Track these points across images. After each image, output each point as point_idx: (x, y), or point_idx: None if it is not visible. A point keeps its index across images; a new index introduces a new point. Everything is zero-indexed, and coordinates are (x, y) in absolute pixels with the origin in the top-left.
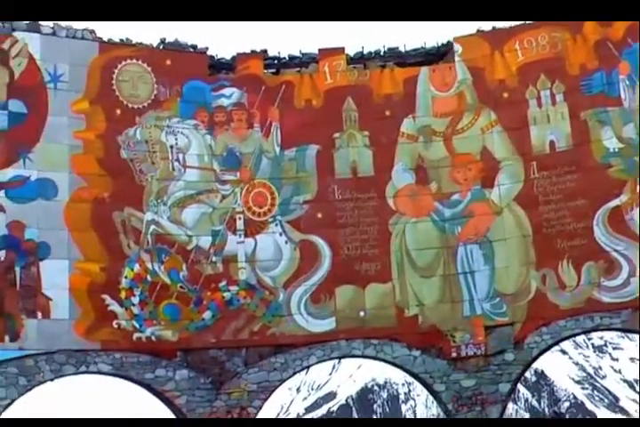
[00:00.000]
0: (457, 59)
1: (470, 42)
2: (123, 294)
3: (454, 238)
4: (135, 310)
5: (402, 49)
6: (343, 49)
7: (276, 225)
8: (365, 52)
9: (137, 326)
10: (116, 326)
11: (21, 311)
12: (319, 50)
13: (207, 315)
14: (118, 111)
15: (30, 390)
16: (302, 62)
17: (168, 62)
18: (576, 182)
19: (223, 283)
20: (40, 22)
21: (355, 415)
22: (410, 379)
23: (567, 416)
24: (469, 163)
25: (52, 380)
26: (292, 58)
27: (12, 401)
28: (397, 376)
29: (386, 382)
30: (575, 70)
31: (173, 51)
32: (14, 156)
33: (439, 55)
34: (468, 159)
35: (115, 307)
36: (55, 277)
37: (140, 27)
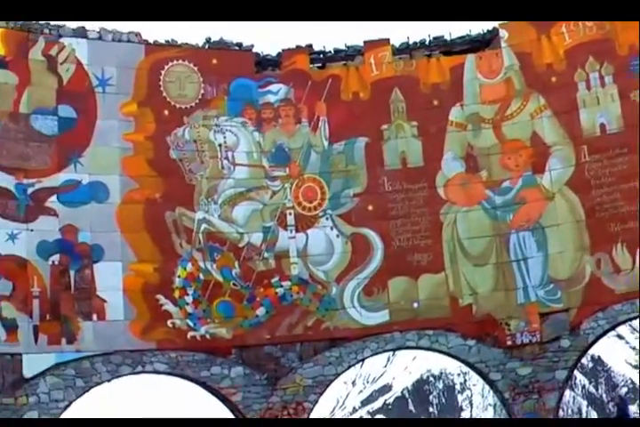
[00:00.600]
0: (503, 45)
1: (516, 27)
2: (176, 294)
3: (506, 226)
4: (189, 309)
5: (447, 37)
6: (388, 40)
7: (327, 219)
8: (411, 43)
9: (191, 324)
10: (170, 325)
11: (77, 314)
12: (364, 42)
13: (261, 311)
14: (166, 112)
15: (87, 391)
16: (348, 55)
17: (214, 61)
18: (628, 164)
19: (276, 279)
20: (86, 27)
21: (411, 407)
22: (465, 369)
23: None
24: (519, 149)
25: (108, 381)
26: (337, 51)
27: (70, 403)
28: (453, 366)
29: (441, 373)
30: (624, 50)
31: (219, 50)
32: (65, 160)
33: (485, 42)
34: (518, 145)
35: (169, 306)
36: (109, 278)
37: (184, 27)
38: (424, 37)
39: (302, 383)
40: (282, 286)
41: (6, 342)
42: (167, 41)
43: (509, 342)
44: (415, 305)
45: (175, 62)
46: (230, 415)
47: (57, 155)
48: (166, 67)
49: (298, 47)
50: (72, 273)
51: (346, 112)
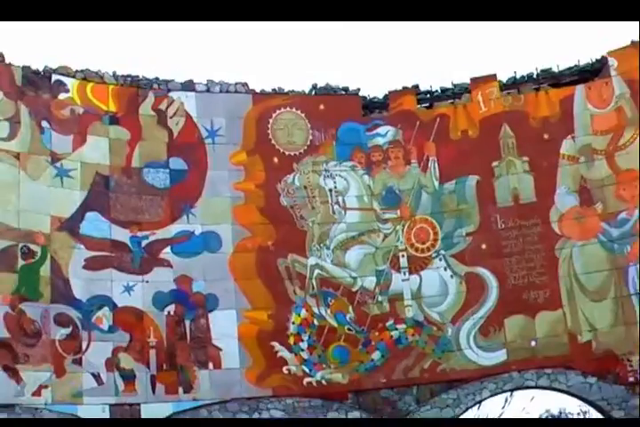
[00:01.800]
0: (613, 73)
1: (625, 54)
2: (291, 340)
3: (624, 259)
4: (304, 355)
5: (555, 69)
6: (495, 76)
7: (440, 260)
8: (518, 77)
9: (307, 370)
10: (286, 371)
11: (193, 363)
12: (471, 79)
13: (376, 355)
14: (276, 159)
15: None
16: (455, 93)
17: (321, 107)
18: None
19: (390, 322)
20: (194, 80)
21: None
22: (585, 407)
23: None
24: (634, 179)
25: None
26: (444, 90)
27: None
28: (572, 405)
29: (560, 413)
30: None
31: (325, 95)
32: (178, 212)
33: (594, 71)
34: (632, 176)
35: (284, 353)
36: (224, 327)
37: (290, 75)
38: (531, 71)
39: None
40: (397, 329)
41: (125, 393)
42: (274, 89)
43: (631, 379)
44: (533, 344)
45: (283, 110)
46: None
47: (169, 207)
48: (274, 115)
49: (404, 88)
50: (187, 323)
51: (455, 151)
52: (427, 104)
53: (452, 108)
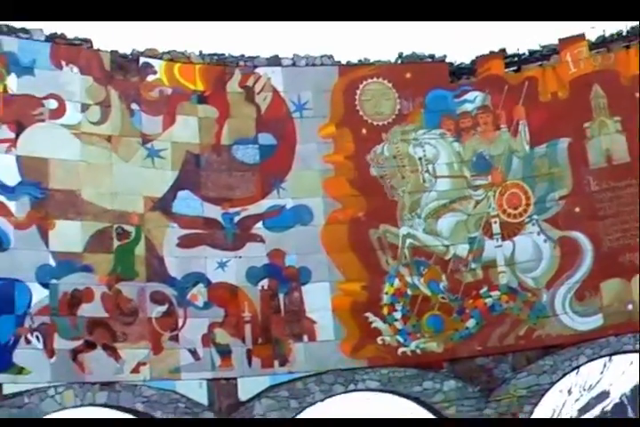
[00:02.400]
0: None
1: None
2: (385, 311)
3: None
4: (398, 325)
5: None
6: (583, 35)
7: (533, 225)
8: (607, 35)
9: (401, 340)
10: (380, 342)
11: (288, 336)
12: (559, 40)
13: (471, 323)
14: (364, 131)
15: (301, 411)
16: (543, 55)
17: (408, 75)
18: None
19: (484, 289)
20: (279, 55)
21: (630, 414)
22: None
23: None
24: None
25: (322, 400)
26: (532, 53)
27: None
28: None
29: None
30: None
31: (412, 63)
32: (268, 187)
33: None
34: None
35: (378, 324)
36: (318, 299)
37: (376, 45)
38: (620, 28)
39: (516, 394)
40: (491, 297)
41: (221, 367)
42: (360, 60)
43: None
44: (630, 307)
45: (369, 80)
46: None
47: (260, 182)
48: (361, 86)
49: (491, 52)
50: (281, 296)
51: (545, 114)
52: (514, 68)
53: (541, 71)
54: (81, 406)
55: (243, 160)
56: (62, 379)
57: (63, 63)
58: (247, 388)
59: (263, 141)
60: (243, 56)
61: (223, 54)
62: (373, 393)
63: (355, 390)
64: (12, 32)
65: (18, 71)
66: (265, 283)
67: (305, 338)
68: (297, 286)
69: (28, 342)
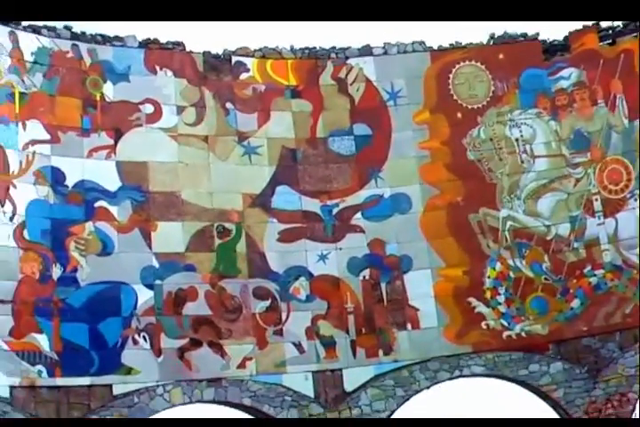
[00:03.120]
0: None
1: None
2: (488, 295)
3: None
4: (502, 309)
5: None
6: None
7: (635, 200)
8: None
9: (506, 324)
10: (484, 326)
11: (392, 325)
12: None
13: (575, 303)
14: (459, 115)
15: (408, 400)
16: (638, 26)
17: (501, 56)
18: None
19: (588, 268)
20: (370, 44)
21: None
22: None
23: None
24: None
25: (427, 388)
26: (626, 25)
27: (392, 413)
28: None
29: None
30: None
31: (504, 44)
32: (365, 177)
33: None
34: None
35: (481, 308)
36: (420, 287)
37: (466, 28)
38: None
39: (625, 373)
40: (595, 275)
41: (326, 359)
42: (451, 44)
43: None
44: None
45: (462, 64)
46: (552, 412)
47: (357, 173)
48: (453, 70)
49: (585, 27)
50: (383, 286)
51: None
52: (609, 41)
53: (637, 42)
54: (189, 403)
55: (339, 152)
56: (170, 377)
57: (157, 67)
58: (352, 378)
59: (358, 132)
60: (334, 48)
61: (314, 48)
62: (479, 378)
63: (460, 377)
64: (106, 41)
65: (113, 78)
66: (366, 273)
67: (408, 326)
68: (398, 275)
69: (136, 342)
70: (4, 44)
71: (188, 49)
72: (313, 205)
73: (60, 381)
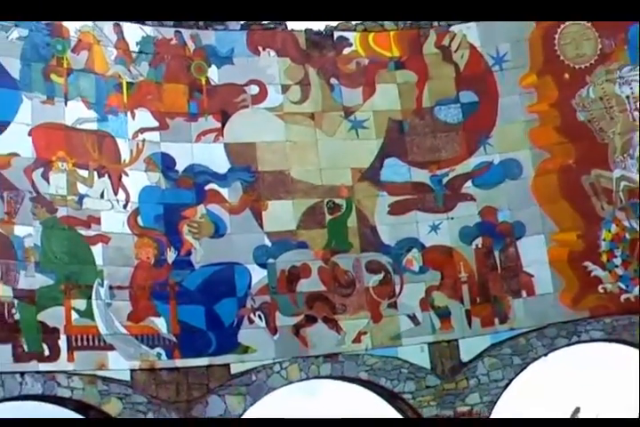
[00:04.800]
0: None
1: None
2: (604, 258)
3: None
4: (619, 271)
5: None
6: None
7: None
8: None
9: (623, 286)
10: (601, 290)
11: (506, 293)
12: None
13: None
14: (567, 75)
15: (525, 368)
16: None
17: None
18: None
19: None
20: None
21: None
22: None
23: None
24: None
25: (545, 355)
26: None
27: (510, 381)
28: None
29: None
30: None
31: None
32: (474, 144)
33: None
34: None
35: (597, 272)
36: (534, 253)
37: None
38: None
39: None
40: None
41: (441, 330)
42: None
43: None
44: None
45: (567, 23)
46: None
47: (465, 141)
48: (559, 30)
49: None
50: (496, 253)
51: None
52: None
53: None
54: (306, 379)
55: (446, 120)
56: (286, 354)
57: (260, 48)
58: (469, 348)
59: (465, 99)
60: None
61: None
62: (597, 344)
63: (578, 342)
64: (208, 25)
65: (217, 62)
66: (479, 241)
67: (523, 293)
68: (511, 242)
69: (251, 321)
70: (109, 37)
71: (289, 28)
72: (422, 175)
73: (179, 362)
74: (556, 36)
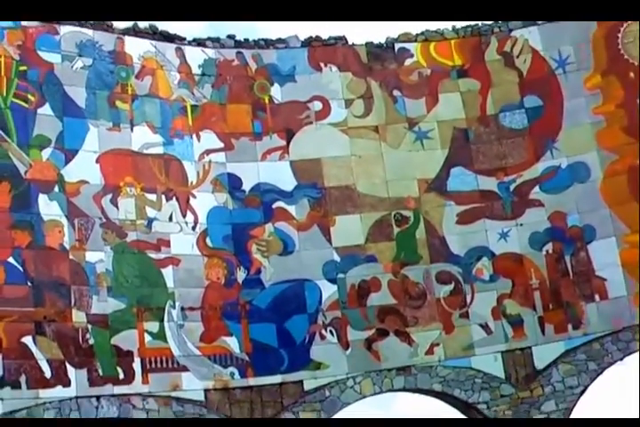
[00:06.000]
0: None
1: None
2: None
3: None
4: None
5: None
6: None
7: None
8: None
9: None
10: None
11: (579, 298)
12: None
13: None
14: (632, 74)
15: (600, 373)
16: None
17: None
18: None
19: None
20: None
21: None
22: None
23: None
24: None
25: (620, 359)
26: None
27: (585, 388)
28: None
29: None
30: None
31: None
32: (540, 149)
33: None
34: None
35: None
36: (605, 256)
37: None
38: None
39: None
40: None
41: (514, 338)
42: None
43: None
44: None
45: (629, 22)
46: None
47: (531, 146)
48: (621, 29)
49: None
50: (567, 258)
51: None
52: None
53: None
54: (380, 393)
55: (511, 126)
56: (359, 369)
57: (321, 64)
58: (543, 356)
59: (529, 104)
60: (496, 23)
61: (477, 24)
62: None
63: None
64: (269, 44)
65: (280, 80)
66: (549, 247)
67: (596, 297)
68: (582, 246)
69: (323, 337)
70: (171, 61)
71: (350, 42)
72: (489, 183)
73: (252, 381)
74: (619, 35)
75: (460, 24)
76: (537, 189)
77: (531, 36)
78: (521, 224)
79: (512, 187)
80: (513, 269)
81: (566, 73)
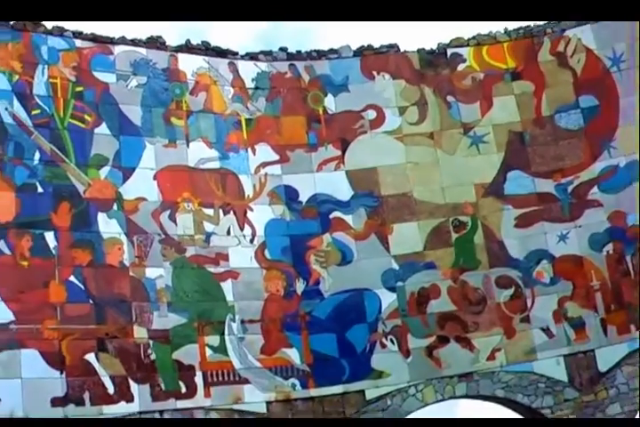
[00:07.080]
0: None
1: None
2: None
3: None
4: None
5: None
6: None
7: None
8: None
9: None
10: None
11: None
12: None
13: None
14: None
15: None
16: None
17: None
18: None
19: None
20: None
21: None
22: None
23: None
24: None
25: None
26: None
27: None
28: None
29: None
30: None
31: None
32: (598, 149)
33: None
34: None
35: None
36: None
37: None
38: None
39: None
40: None
41: (576, 341)
42: None
43: None
44: None
45: None
46: None
47: (588, 146)
48: None
49: None
50: (628, 258)
51: None
52: None
53: None
54: (442, 400)
55: (567, 127)
56: (421, 377)
57: (374, 73)
58: (606, 358)
59: (585, 104)
60: (549, 23)
61: (529, 26)
62: None
63: None
64: (321, 55)
65: (333, 91)
66: (609, 248)
67: None
68: None
69: (384, 346)
70: (225, 76)
71: (402, 49)
72: (547, 185)
73: (314, 391)
74: None
75: (511, 26)
76: (595, 189)
77: (584, 35)
78: (580, 226)
79: (570, 188)
80: (573, 271)
81: (621, 71)
